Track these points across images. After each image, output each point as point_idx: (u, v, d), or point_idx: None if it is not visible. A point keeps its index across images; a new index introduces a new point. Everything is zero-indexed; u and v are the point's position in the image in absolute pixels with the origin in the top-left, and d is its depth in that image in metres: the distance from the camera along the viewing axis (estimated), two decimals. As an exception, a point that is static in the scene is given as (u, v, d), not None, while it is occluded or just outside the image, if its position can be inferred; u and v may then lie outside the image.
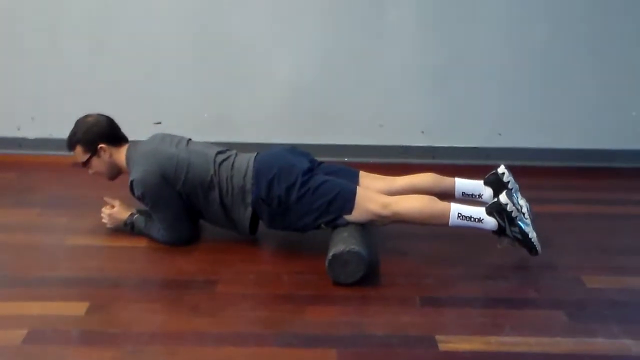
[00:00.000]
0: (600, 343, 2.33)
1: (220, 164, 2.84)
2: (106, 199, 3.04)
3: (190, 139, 2.98)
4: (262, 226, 2.93)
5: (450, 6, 3.76)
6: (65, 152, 3.58)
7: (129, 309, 2.48)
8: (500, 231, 2.70)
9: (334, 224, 2.75)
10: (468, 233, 2.83)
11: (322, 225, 2.76)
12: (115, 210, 2.99)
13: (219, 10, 3.78)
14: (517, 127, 3.96)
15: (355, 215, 2.73)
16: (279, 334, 2.34)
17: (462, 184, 2.96)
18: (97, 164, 2.93)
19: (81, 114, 2.86)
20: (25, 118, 3.96)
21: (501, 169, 2.94)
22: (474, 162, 3.84)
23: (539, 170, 3.85)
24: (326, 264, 2.61)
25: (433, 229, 2.82)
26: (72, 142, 2.92)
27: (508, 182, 2.90)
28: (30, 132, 3.98)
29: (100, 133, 2.89)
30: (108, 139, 2.91)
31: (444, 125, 3.97)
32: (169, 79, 3.87)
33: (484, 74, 3.87)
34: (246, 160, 2.85)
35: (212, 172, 2.81)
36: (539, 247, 2.71)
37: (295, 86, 3.89)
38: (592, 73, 3.85)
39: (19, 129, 3.98)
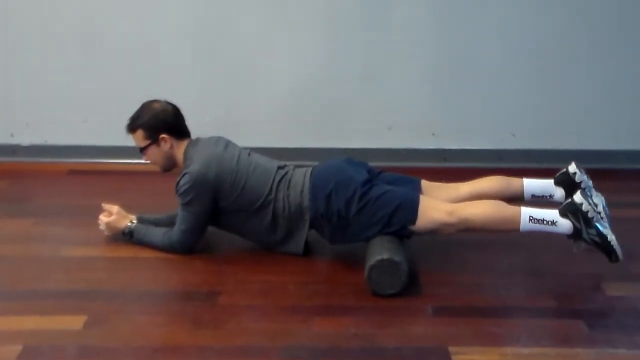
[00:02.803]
0: (622, 354, 2.27)
1: (279, 181, 2.80)
2: (104, 205, 2.97)
3: (250, 152, 2.94)
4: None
5: (460, 3, 3.73)
6: (61, 159, 3.49)
7: (129, 322, 2.43)
8: (576, 234, 2.58)
9: (399, 236, 2.68)
10: (482, 239, 2.79)
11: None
12: (114, 218, 2.93)
13: (221, 11, 3.74)
14: (531, 128, 3.90)
15: (420, 225, 2.65)
16: (285, 347, 2.29)
17: (531, 185, 2.85)
18: (155, 152, 2.87)
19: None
20: (19, 124, 3.89)
21: (572, 168, 2.84)
22: (488, 165, 3.74)
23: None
24: (375, 260, 2.53)
25: (445, 236, 2.75)
26: (134, 125, 2.85)
27: (580, 182, 2.80)
28: (24, 139, 3.91)
29: (165, 122, 2.84)
30: (172, 131, 2.85)
31: (455, 127, 3.92)
32: (170, 82, 3.79)
33: (497, 73, 3.83)
34: (302, 176, 2.81)
35: (268, 190, 2.78)
36: (619, 252, 2.58)
37: (300, 88, 3.84)
38: (616, 70, 3.81)
39: (12, 136, 3.91)
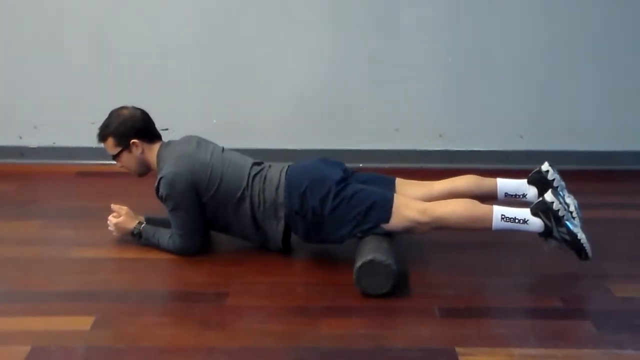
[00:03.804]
0: (630, 355, 2.24)
1: (254, 177, 2.80)
2: (114, 206, 2.98)
3: (224, 148, 2.93)
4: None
5: (467, 6, 3.72)
6: (69, 161, 3.49)
7: (136, 324, 2.42)
8: (546, 233, 2.60)
9: (372, 234, 2.67)
10: (487, 240, 2.77)
11: (359, 235, 2.69)
12: (122, 219, 2.93)
13: (228, 14, 3.74)
14: (539, 129, 3.89)
15: (393, 223, 2.65)
16: (292, 348, 2.28)
17: (505, 184, 2.86)
18: (128, 159, 2.88)
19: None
20: (27, 126, 3.90)
21: (545, 166, 2.85)
22: (494, 167, 3.74)
23: (563, 174, 3.72)
24: (355, 269, 2.53)
25: (450, 236, 2.75)
26: (104, 134, 2.86)
27: (553, 180, 2.80)
28: (33, 141, 3.93)
29: (134, 128, 2.84)
30: (142, 135, 2.86)
31: (462, 129, 3.92)
32: (177, 84, 3.83)
33: (504, 74, 3.82)
34: (278, 173, 2.81)
35: (244, 185, 2.78)
36: (589, 250, 2.60)
37: (306, 90, 3.84)
38: (624, 71, 3.80)
39: (20, 138, 3.93)
